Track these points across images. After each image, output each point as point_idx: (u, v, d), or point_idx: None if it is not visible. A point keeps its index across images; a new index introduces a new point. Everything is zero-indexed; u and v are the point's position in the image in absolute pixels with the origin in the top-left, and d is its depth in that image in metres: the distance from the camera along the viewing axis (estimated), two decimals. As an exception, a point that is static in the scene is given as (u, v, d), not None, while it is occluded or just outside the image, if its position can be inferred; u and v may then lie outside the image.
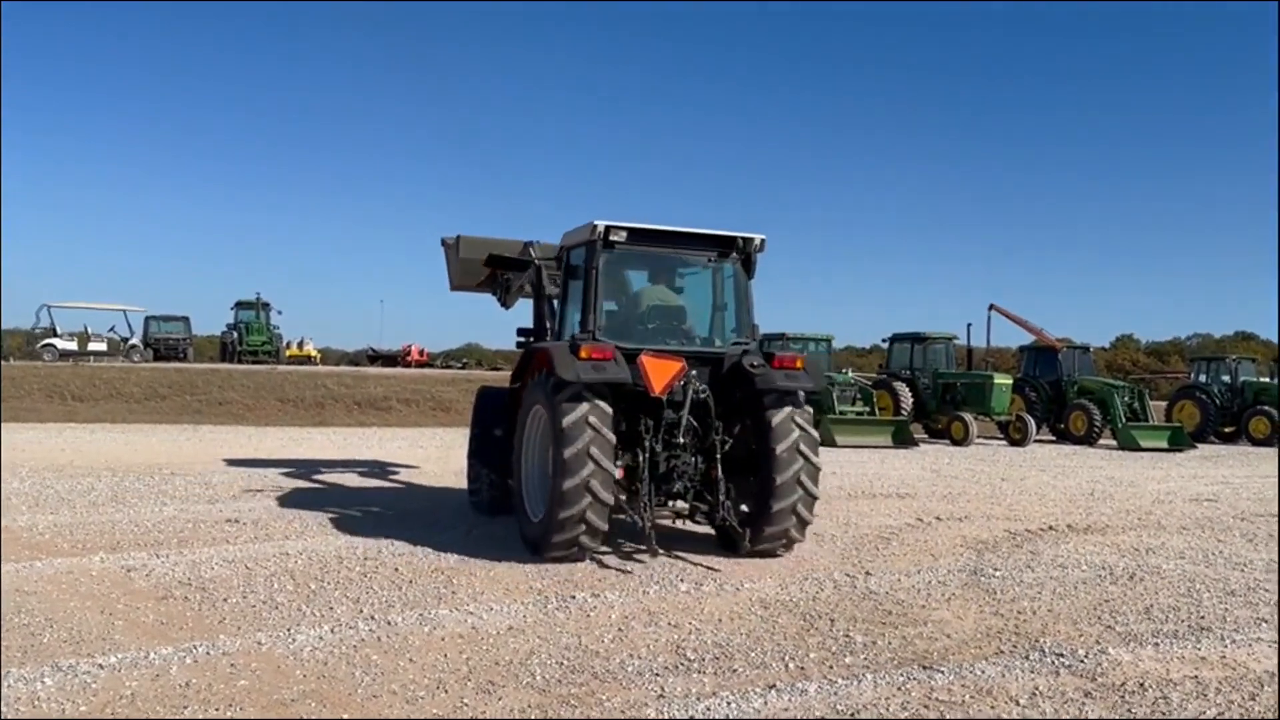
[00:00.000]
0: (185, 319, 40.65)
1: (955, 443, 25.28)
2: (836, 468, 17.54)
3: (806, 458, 8.28)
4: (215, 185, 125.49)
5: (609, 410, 7.85)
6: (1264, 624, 6.92)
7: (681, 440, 8.34)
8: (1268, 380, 31.45)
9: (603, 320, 8.57)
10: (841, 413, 24.11)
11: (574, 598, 6.79)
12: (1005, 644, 6.16)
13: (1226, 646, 6.28)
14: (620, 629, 6.10)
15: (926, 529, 10.64)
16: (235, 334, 41.23)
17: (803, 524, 8.45)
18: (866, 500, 12.95)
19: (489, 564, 7.83)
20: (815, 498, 8.41)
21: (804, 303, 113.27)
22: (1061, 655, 5.91)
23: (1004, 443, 26.38)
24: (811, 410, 8.69)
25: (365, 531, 9.14)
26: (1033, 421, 26.14)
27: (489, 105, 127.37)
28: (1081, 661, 5.82)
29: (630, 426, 8.36)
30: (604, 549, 8.41)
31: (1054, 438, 28.77)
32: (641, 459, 8.23)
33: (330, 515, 10.02)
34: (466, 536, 8.96)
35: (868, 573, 8.12)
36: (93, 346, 35.62)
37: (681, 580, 7.52)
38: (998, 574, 8.31)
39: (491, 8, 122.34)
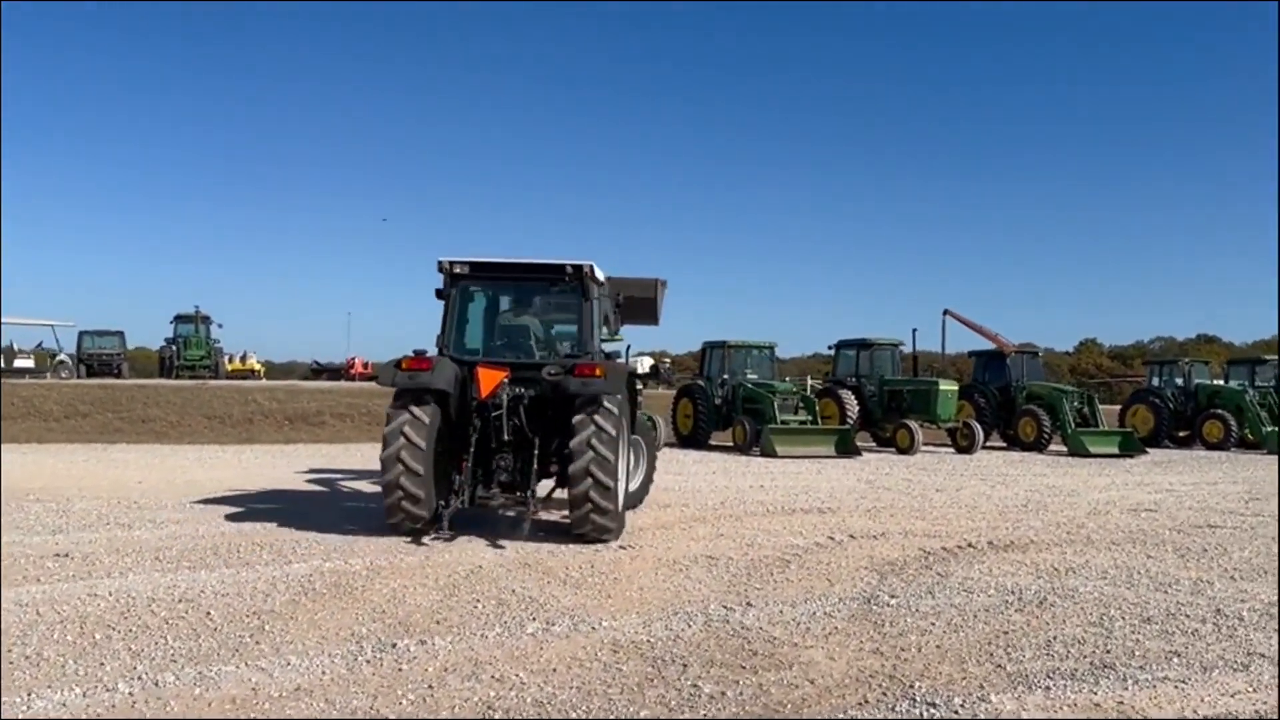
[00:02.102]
0: (120, 334, 39.43)
1: (901, 451, 24.63)
2: (767, 480, 16.83)
3: (597, 450, 9.23)
4: (177, 195, 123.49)
5: (429, 403, 9.42)
6: (1175, 658, 6.22)
7: (507, 438, 9.76)
8: (1221, 383, 31.14)
9: (453, 338, 10.30)
10: (783, 422, 23.37)
11: (395, 646, 5.96)
12: (874, 691, 5.40)
13: (1127, 689, 5.57)
14: (431, 686, 5.27)
15: (835, 549, 9.89)
16: (174, 348, 39.98)
17: (600, 510, 9.36)
18: (782, 517, 12.19)
19: (320, 605, 6.97)
20: (607, 487, 9.30)
21: (782, 308, 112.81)
22: (934, 705, 5.16)
23: (952, 450, 25.79)
24: (614, 410, 9.51)
25: (205, 565, 8.26)
26: (979, 428, 25.57)
27: (470, 116, 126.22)
28: (956, 712, 5.08)
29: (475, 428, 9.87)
30: (449, 532, 9.56)
31: (1004, 444, 28.27)
32: (468, 453, 9.80)
33: (176, 546, 9.12)
34: (316, 571, 8.09)
35: (749, 604, 7.35)
36: (19, 363, 34.32)
37: (534, 619, 6.71)
38: (893, 602, 7.57)
39: (465, 12, 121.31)
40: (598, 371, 9.45)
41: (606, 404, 9.46)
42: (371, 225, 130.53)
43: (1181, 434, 30.48)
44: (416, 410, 9.33)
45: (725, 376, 25.33)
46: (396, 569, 8.19)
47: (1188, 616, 7.40)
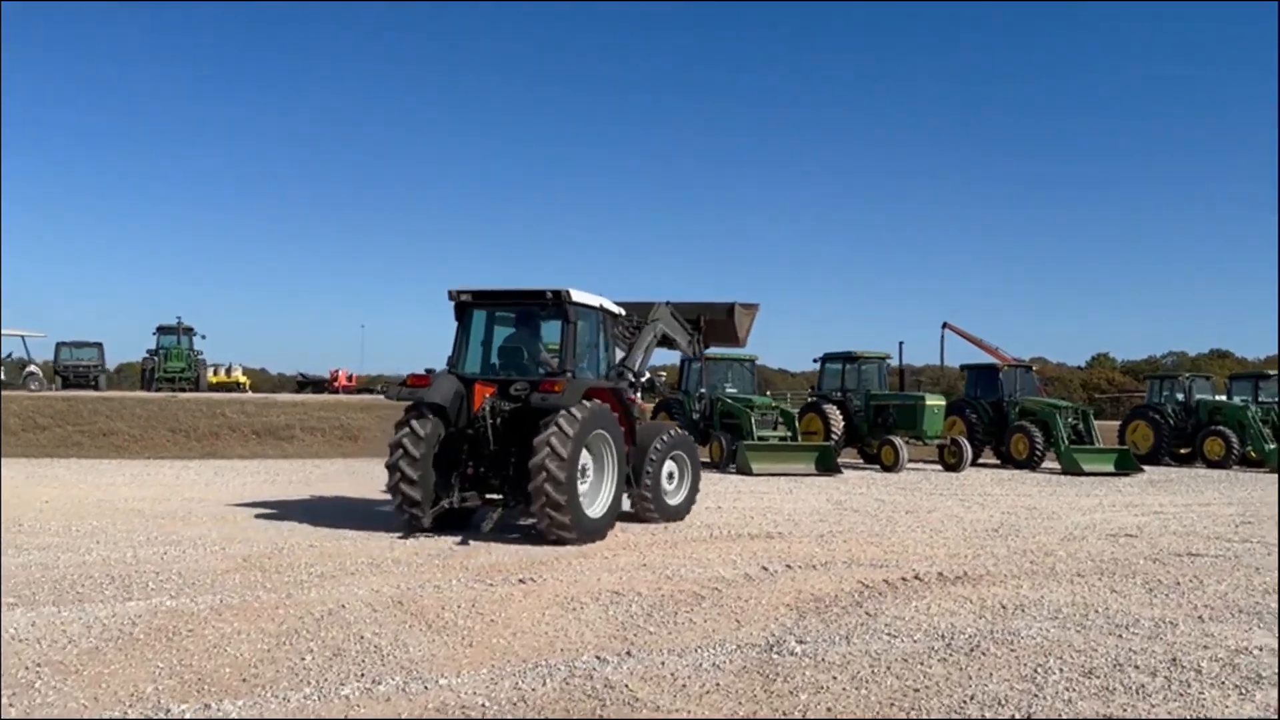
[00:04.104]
0: (98, 345, 38.69)
1: (886, 469, 23.63)
2: (728, 501, 15.82)
3: (553, 450, 10.25)
4: (191, 205, 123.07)
5: (430, 415, 10.91)
6: (1108, 724, 5.25)
7: (493, 447, 11.03)
8: (1223, 399, 30.02)
9: (461, 356, 11.82)
10: (761, 438, 22.38)
11: (170, 711, 5.03)
12: (725, 774, 4.45)
13: (1036, 768, 4.60)
14: (182, 764, 4.35)
15: (762, 582, 8.93)
16: (155, 360, 39.28)
17: (554, 506, 10.31)
18: (723, 543, 11.23)
19: (123, 655, 6.06)
20: (560, 482, 10.25)
21: (806, 320, 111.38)
22: (790, 795, 4.21)
23: (941, 468, 24.77)
24: (574, 420, 10.46)
25: (32, 601, 7.35)
26: (968, 445, 24.52)
27: (482, 125, 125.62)
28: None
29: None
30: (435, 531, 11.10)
31: (998, 461, 27.22)
32: (462, 459, 11.23)
33: (19, 577, 8.18)
34: (151, 610, 7.18)
35: (629, 653, 6.41)
36: (-14, 375, 33.61)
37: (361, 676, 5.78)
38: (799, 649, 6.61)
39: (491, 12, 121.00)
40: (557, 387, 10.56)
41: (566, 414, 10.45)
42: (389, 235, 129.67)
43: (1183, 451, 29.38)
44: (418, 419, 10.86)
45: (703, 390, 24.35)
46: (245, 609, 7.27)
47: (1137, 668, 6.44)
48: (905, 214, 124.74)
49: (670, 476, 13.00)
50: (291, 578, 8.48)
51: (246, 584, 8.17)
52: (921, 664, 6.38)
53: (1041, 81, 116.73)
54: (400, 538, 10.83)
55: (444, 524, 11.21)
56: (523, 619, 7.23)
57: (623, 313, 13.11)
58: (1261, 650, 6.96)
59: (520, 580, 8.59)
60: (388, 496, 11.32)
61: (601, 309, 12.21)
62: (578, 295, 11.45)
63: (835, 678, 6.01)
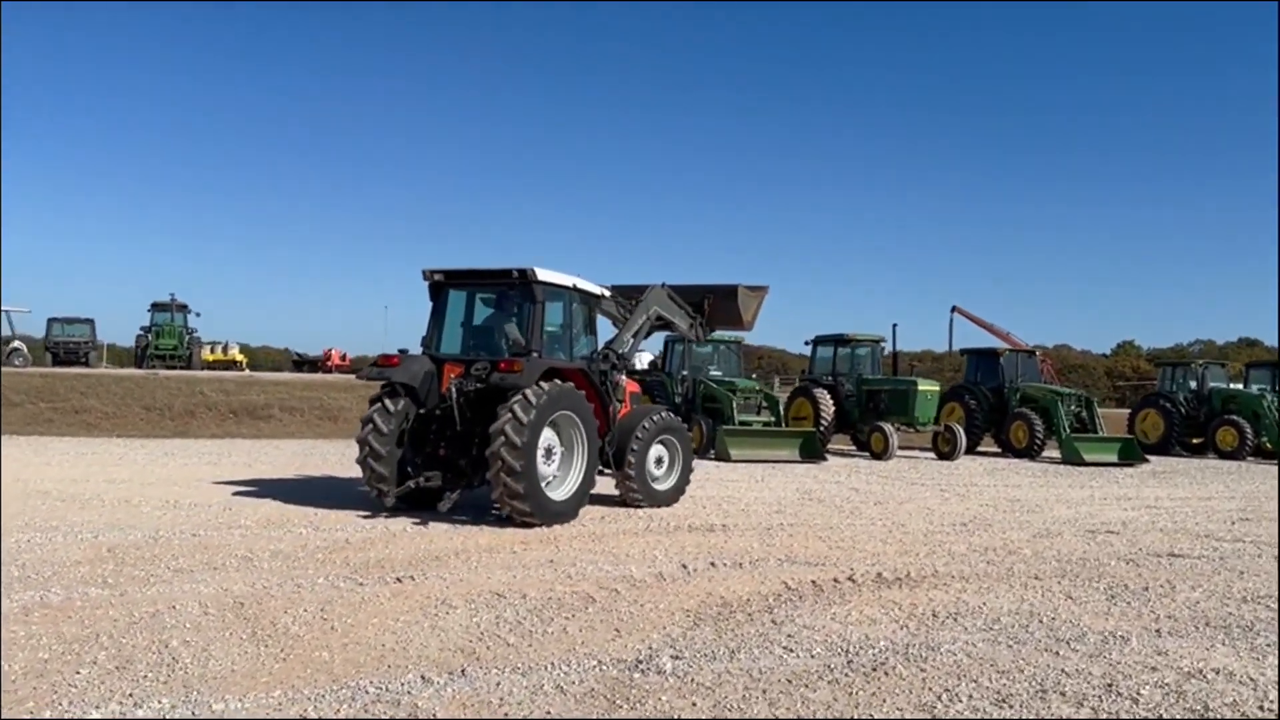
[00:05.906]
0: (90, 321, 38.34)
1: (875, 456, 22.65)
2: (689, 489, 14.84)
3: (508, 435, 10.10)
4: (210, 186, 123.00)
5: (400, 395, 10.93)
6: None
7: (459, 428, 10.94)
8: (1238, 387, 28.78)
9: (435, 336, 11.75)
10: (742, 423, 21.44)
11: None
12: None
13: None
14: None
15: (673, 583, 8.05)
16: (148, 338, 38.80)
17: (511, 491, 10.17)
18: (655, 537, 10.35)
19: None
20: (516, 469, 10.07)
21: (830, 304, 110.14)
22: None
23: (934, 456, 23.77)
24: (532, 401, 10.26)
25: None
26: (961, 432, 23.49)
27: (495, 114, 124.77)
28: None
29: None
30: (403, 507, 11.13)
31: (998, 449, 26.17)
32: (430, 440, 11.24)
33: None
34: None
35: (464, 671, 5.54)
36: (-30, 351, 33.19)
37: (129, 695, 4.94)
38: (672, 665, 5.74)
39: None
40: (516, 367, 10.47)
41: (526, 395, 10.28)
42: (408, 215, 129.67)
43: (1195, 441, 28.19)
44: (389, 398, 10.91)
45: (685, 372, 23.39)
46: (61, 609, 6.46)
47: (1062, 695, 5.52)
48: (933, 201, 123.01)
49: (659, 461, 12.66)
50: (144, 572, 7.67)
51: (88, 578, 7.36)
52: (806, 686, 5.49)
53: (1070, 66, 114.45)
54: (367, 516, 10.92)
55: (414, 503, 11.20)
56: (369, 626, 6.39)
57: (605, 293, 12.78)
58: (1218, 674, 6.02)
59: (397, 579, 7.74)
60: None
61: (575, 289, 11.95)
62: (544, 274, 11.31)
63: (695, 704, 5.13)
